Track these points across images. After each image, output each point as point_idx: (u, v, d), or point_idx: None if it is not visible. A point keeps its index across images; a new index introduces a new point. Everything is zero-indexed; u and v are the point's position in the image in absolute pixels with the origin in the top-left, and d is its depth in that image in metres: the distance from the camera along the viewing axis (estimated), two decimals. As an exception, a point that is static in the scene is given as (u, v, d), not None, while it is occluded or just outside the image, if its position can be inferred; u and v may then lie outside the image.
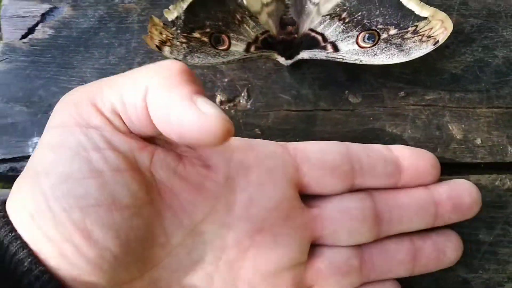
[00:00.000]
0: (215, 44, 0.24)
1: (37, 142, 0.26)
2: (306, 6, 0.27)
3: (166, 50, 0.22)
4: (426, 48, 0.23)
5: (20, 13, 0.29)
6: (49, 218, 0.17)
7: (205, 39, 0.24)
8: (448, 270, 0.25)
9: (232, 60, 0.25)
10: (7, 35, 0.29)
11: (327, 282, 0.23)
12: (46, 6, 0.29)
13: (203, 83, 0.27)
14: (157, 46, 0.22)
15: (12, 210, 0.18)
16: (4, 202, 0.19)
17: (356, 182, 0.23)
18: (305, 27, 0.26)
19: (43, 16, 0.29)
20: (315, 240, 0.23)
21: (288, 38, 0.26)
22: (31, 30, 0.29)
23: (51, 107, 0.27)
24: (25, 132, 0.27)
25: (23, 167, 0.26)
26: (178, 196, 0.20)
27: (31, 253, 0.17)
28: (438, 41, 0.23)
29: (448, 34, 0.23)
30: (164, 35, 0.22)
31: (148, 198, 0.19)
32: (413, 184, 0.24)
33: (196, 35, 0.24)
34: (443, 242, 0.24)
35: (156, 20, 0.23)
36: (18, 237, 0.17)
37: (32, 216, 0.18)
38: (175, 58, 0.23)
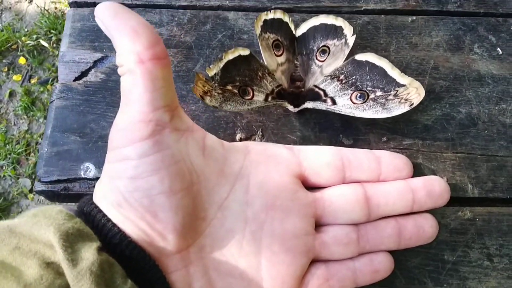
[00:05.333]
0: (242, 95, 0.31)
1: (88, 166, 0.32)
2: (312, 67, 0.33)
3: (207, 99, 0.29)
4: (403, 109, 0.30)
5: (75, 59, 0.35)
6: (126, 206, 0.24)
7: (235, 91, 0.30)
8: (420, 283, 0.31)
9: (254, 107, 0.31)
10: (63, 76, 0.35)
11: (331, 250, 0.28)
12: (98, 55, 0.35)
13: (226, 123, 0.33)
14: (201, 96, 0.28)
15: (99, 202, 0.25)
16: (91, 197, 0.25)
17: (346, 175, 0.29)
18: (310, 83, 0.33)
19: (95, 63, 0.35)
20: (319, 218, 0.29)
21: (296, 91, 0.33)
22: (84, 73, 0.35)
23: (100, 138, 0.33)
24: (78, 158, 0.32)
25: (75, 187, 0.32)
26: (208, 178, 0.26)
27: (119, 230, 0.24)
28: (413, 104, 0.30)
29: (421, 99, 0.30)
30: (206, 87, 0.29)
31: (191, 181, 0.25)
32: (391, 177, 0.30)
33: (229, 87, 0.30)
34: (422, 221, 0.29)
35: (201, 75, 0.29)
36: (109, 219, 0.24)
37: (113, 205, 0.24)
38: (213, 106, 0.29)
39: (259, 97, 0.31)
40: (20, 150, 1.21)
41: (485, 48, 0.36)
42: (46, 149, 0.32)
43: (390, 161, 0.30)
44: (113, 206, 0.24)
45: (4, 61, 1.34)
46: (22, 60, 1.33)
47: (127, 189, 0.23)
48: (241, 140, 0.33)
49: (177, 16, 0.36)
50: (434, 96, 0.35)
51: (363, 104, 0.31)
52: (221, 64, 0.30)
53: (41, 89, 1.29)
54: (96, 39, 0.35)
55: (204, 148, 0.27)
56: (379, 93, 0.31)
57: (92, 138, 0.33)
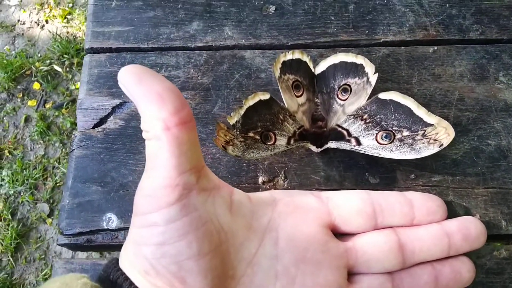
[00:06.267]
0: (265, 141, 0.30)
1: (110, 217, 0.31)
2: (333, 106, 0.33)
3: (230, 149, 0.28)
4: (433, 149, 0.29)
5: (94, 106, 0.35)
6: (154, 273, 0.23)
7: (257, 137, 0.30)
8: (457, 328, 0.29)
9: (277, 152, 0.30)
10: (81, 124, 0.34)
11: None
12: (116, 101, 0.35)
13: (248, 166, 0.33)
14: (223, 146, 0.28)
15: (125, 269, 0.24)
16: (117, 262, 0.25)
17: (378, 221, 0.28)
18: (332, 123, 0.32)
19: (114, 109, 0.35)
20: (351, 268, 0.28)
21: (319, 131, 0.32)
22: (103, 120, 0.34)
23: (121, 186, 0.32)
24: (100, 208, 0.32)
25: (98, 238, 0.31)
26: (236, 235, 0.26)
27: None
28: (442, 144, 0.29)
29: (451, 139, 0.29)
30: (227, 137, 0.28)
31: (219, 240, 0.24)
32: (425, 221, 0.29)
33: (251, 134, 0.29)
34: (459, 265, 0.28)
35: (222, 125, 0.28)
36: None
37: (140, 272, 0.23)
38: (236, 155, 0.28)
39: (281, 141, 0.31)
40: (37, 175, 1.22)
41: (511, 76, 0.35)
42: (67, 201, 0.32)
43: (422, 203, 0.29)
44: (139, 273, 0.23)
45: (18, 87, 1.36)
46: (36, 86, 1.35)
47: (154, 256, 0.23)
48: (263, 183, 0.32)
49: (194, 58, 0.36)
50: (461, 128, 0.34)
51: (390, 144, 0.30)
52: (242, 111, 0.29)
53: (56, 113, 1.31)
54: (114, 85, 0.35)
55: (232, 204, 0.26)
56: (406, 133, 0.30)
57: (113, 187, 0.32)
